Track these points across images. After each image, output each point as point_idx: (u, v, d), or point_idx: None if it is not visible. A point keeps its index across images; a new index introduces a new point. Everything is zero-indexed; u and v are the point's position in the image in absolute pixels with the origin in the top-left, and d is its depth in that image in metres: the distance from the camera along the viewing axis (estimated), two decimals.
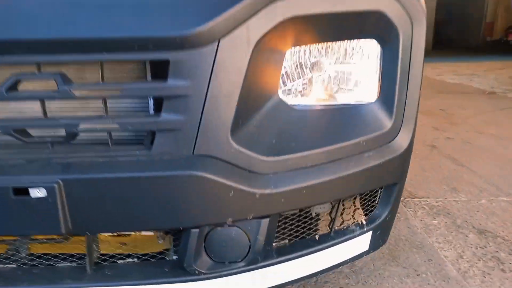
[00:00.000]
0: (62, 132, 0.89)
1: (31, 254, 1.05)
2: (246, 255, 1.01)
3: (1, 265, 1.03)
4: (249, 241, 1.00)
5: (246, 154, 0.94)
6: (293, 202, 1.00)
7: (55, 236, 1.01)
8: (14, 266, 1.03)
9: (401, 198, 2.73)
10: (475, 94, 6.65)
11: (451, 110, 5.44)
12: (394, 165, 1.11)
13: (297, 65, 1.05)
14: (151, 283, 0.99)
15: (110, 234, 1.16)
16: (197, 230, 0.95)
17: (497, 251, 2.05)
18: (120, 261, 1.04)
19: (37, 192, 0.85)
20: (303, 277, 1.12)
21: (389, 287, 1.77)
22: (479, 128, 4.44)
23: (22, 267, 1.03)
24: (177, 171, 0.89)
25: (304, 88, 1.07)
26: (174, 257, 1.05)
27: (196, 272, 0.98)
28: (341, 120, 1.06)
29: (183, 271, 1.02)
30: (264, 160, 0.96)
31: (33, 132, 0.90)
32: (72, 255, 1.06)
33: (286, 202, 0.99)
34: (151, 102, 0.93)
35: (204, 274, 0.99)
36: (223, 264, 1.01)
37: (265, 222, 0.99)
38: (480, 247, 2.07)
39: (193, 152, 0.91)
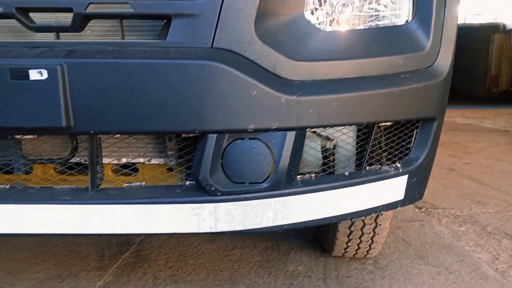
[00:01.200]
0: (68, 19, 0.81)
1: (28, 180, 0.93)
2: (269, 175, 0.87)
3: None
4: (273, 158, 0.87)
5: (271, 53, 0.84)
6: (322, 115, 0.88)
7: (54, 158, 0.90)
8: (7, 186, 0.90)
9: (423, 209, 2.57)
10: (488, 132, 6.57)
11: (465, 143, 5.35)
12: (432, 93, 1.00)
13: None
14: (159, 203, 0.84)
15: (114, 171, 1.04)
16: (214, 135, 0.83)
17: None
18: (125, 184, 0.91)
19: (37, 74, 0.76)
20: (331, 217, 0.96)
21: (420, 283, 1.60)
22: (496, 156, 4.32)
23: (15, 188, 0.89)
24: (193, 60, 0.79)
25: (334, 9, 1.00)
26: (187, 183, 0.92)
27: (213, 188, 0.84)
28: (373, 40, 0.98)
29: (195, 193, 0.87)
30: (291, 63, 0.86)
31: (37, 17, 0.83)
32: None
33: (314, 114, 0.87)
34: None
35: (220, 194, 0.85)
36: (243, 185, 0.87)
37: (290, 135, 0.87)
38: None
39: (212, 45, 0.82)
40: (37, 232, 0.87)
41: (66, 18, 0.84)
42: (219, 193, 0.86)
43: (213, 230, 0.88)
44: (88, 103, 0.79)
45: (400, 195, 1.07)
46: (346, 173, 1.01)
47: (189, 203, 0.86)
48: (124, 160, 0.98)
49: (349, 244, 1.67)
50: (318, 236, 2.00)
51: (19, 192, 0.88)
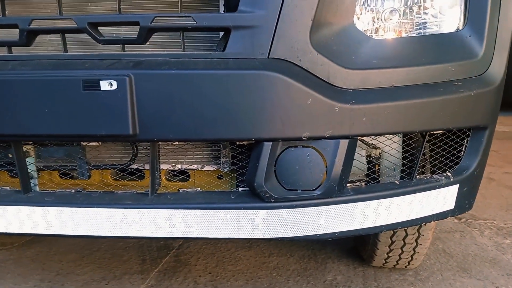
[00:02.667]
0: (134, 32, 0.86)
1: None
2: (321, 183, 0.88)
3: (61, 189, 0.96)
4: (325, 166, 0.89)
5: (325, 63, 0.86)
6: (375, 123, 0.89)
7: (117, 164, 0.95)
8: (73, 191, 0.96)
9: (463, 219, 2.49)
10: None
11: (503, 152, 5.14)
12: (485, 101, 0.99)
13: None
14: (215, 208, 0.87)
15: (168, 177, 1.08)
16: (270, 143, 0.85)
17: None
18: (182, 190, 0.95)
19: (107, 85, 0.81)
20: (381, 226, 0.96)
21: None
22: None
23: (81, 192, 0.95)
24: (251, 71, 0.82)
25: (382, 17, 1.02)
26: (240, 189, 0.94)
27: (267, 195, 0.86)
28: (424, 48, 0.98)
29: (249, 199, 0.90)
30: (344, 71, 0.87)
31: (106, 31, 0.89)
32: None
33: (367, 123, 0.88)
34: (221, 6, 0.90)
35: (274, 201, 0.87)
36: (295, 192, 0.88)
37: (343, 143, 0.88)
38: None
39: (268, 55, 0.85)
40: (101, 234, 0.92)
41: (132, 31, 0.89)
42: (273, 200, 0.88)
43: (266, 236, 0.90)
44: (153, 112, 0.83)
45: (450, 204, 1.05)
46: (397, 182, 1.01)
47: (243, 209, 0.88)
48: (179, 166, 1.02)
49: (390, 255, 1.65)
50: (356, 246, 1.98)
51: (85, 196, 0.94)
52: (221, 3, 0.95)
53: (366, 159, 1.12)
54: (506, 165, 4.22)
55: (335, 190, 0.90)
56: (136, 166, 1.02)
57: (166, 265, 1.87)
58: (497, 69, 0.99)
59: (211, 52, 0.86)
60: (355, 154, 1.04)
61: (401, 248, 1.60)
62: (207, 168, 1.02)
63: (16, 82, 0.84)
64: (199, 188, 0.96)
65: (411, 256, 1.65)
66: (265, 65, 0.84)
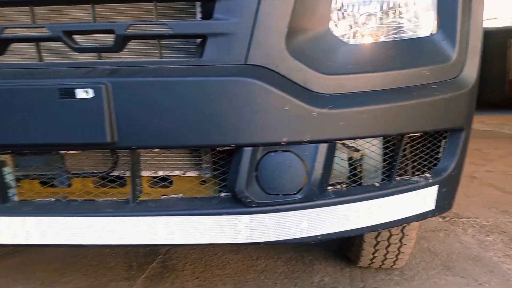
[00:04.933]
0: (110, 39, 0.86)
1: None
2: (302, 186, 0.89)
3: (41, 199, 0.95)
4: (306, 170, 0.89)
5: (302, 68, 0.87)
6: (353, 127, 0.90)
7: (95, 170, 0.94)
8: (53, 199, 0.95)
9: (447, 218, 2.53)
10: (508, 138, 6.43)
11: (485, 150, 5.26)
12: (459, 103, 1.01)
13: None
14: (197, 214, 0.88)
15: (150, 184, 1.08)
16: (250, 149, 0.86)
17: None
18: (164, 196, 0.94)
19: (83, 93, 0.81)
20: (363, 227, 0.97)
21: None
22: None
23: (60, 201, 0.94)
24: (229, 77, 0.83)
25: (358, 22, 1.03)
26: (222, 195, 0.95)
27: (249, 200, 0.86)
28: (400, 52, 1.00)
29: (231, 204, 0.90)
30: (321, 77, 0.89)
31: (81, 39, 0.88)
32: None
33: (345, 127, 0.89)
34: (198, 13, 0.91)
35: (256, 206, 0.87)
36: (277, 196, 0.89)
37: (322, 147, 0.89)
38: None
39: (245, 61, 0.86)
40: (82, 243, 0.91)
41: (107, 39, 0.89)
42: (254, 205, 0.88)
43: (249, 241, 0.90)
44: (131, 120, 0.83)
45: (430, 205, 1.07)
46: (377, 184, 1.02)
47: (226, 215, 0.89)
48: (161, 173, 1.02)
49: (375, 255, 1.67)
50: (342, 247, 2.00)
51: (64, 204, 0.93)
52: (198, 10, 0.96)
53: (348, 161, 1.13)
54: (488, 163, 4.31)
55: (316, 194, 0.91)
56: (117, 174, 1.01)
57: (153, 271, 1.85)
58: (470, 72, 1.01)
59: (188, 59, 0.86)
60: (336, 157, 1.05)
61: (386, 248, 1.62)
62: (189, 174, 1.02)
63: None
64: (181, 194, 0.96)
65: (396, 256, 1.67)
66: (242, 72, 0.84)
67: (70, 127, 0.82)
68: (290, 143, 0.87)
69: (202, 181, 1.07)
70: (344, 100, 0.90)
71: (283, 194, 0.90)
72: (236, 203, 0.91)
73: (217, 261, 1.95)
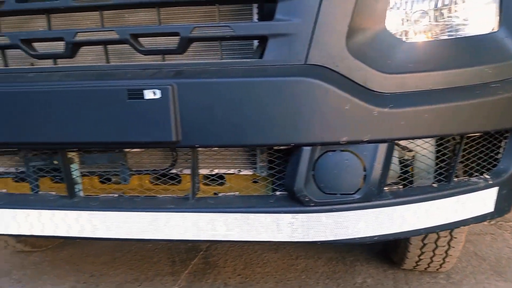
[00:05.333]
0: (173, 41, 0.89)
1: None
2: (361, 186, 0.89)
3: (105, 194, 1.00)
4: (364, 170, 0.89)
5: (362, 68, 0.87)
6: (413, 127, 0.89)
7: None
8: (116, 195, 1.00)
9: (493, 221, 2.43)
10: None
11: None
12: None
13: None
14: (255, 212, 0.89)
15: (204, 182, 1.11)
16: (309, 148, 0.86)
17: None
18: (221, 194, 0.97)
19: (151, 94, 0.84)
20: (420, 229, 0.95)
21: None
22: None
23: (123, 196, 0.99)
24: (290, 77, 0.84)
25: (416, 20, 1.01)
26: (278, 193, 0.96)
27: (306, 199, 0.87)
28: (460, 50, 0.97)
29: (288, 203, 0.91)
30: (381, 75, 0.88)
31: (146, 41, 0.92)
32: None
33: (406, 126, 0.88)
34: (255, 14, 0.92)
35: (314, 205, 0.88)
36: (334, 196, 0.89)
37: (382, 147, 0.88)
38: None
39: (305, 61, 0.86)
40: (143, 237, 0.95)
41: (170, 41, 0.92)
42: (312, 204, 0.89)
43: (306, 240, 0.91)
44: (194, 119, 0.86)
45: (489, 207, 1.04)
46: (435, 185, 1.00)
47: (283, 213, 0.90)
48: (216, 171, 1.04)
49: (421, 257, 1.63)
50: (385, 249, 1.96)
51: (128, 200, 0.97)
52: (255, 11, 0.97)
53: (399, 162, 1.11)
54: None
55: (375, 194, 0.90)
56: (175, 171, 1.04)
57: (195, 267, 1.90)
58: None
59: (248, 60, 0.88)
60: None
61: (433, 250, 1.58)
62: (243, 172, 1.03)
63: (63, 93, 0.88)
64: (237, 192, 0.98)
65: (443, 259, 1.62)
66: (303, 72, 0.85)
67: (137, 126, 0.86)
68: (349, 143, 0.87)
69: (254, 179, 1.09)
70: (405, 99, 0.89)
71: (341, 194, 0.90)
72: (293, 202, 0.92)
73: (257, 259, 1.97)
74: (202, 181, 1.09)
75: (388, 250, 1.91)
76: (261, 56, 0.88)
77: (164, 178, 1.05)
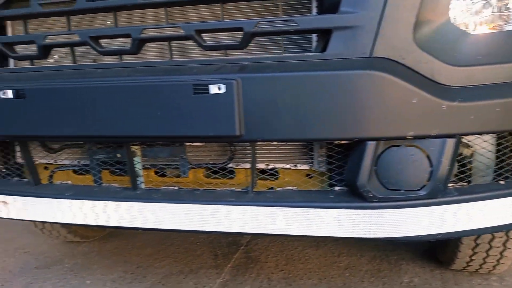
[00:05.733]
0: (236, 37, 0.90)
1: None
2: (426, 183, 0.87)
3: (165, 187, 1.03)
4: (431, 165, 0.87)
5: (429, 60, 0.84)
6: (484, 121, 0.85)
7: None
8: (176, 188, 1.02)
9: None
10: None
11: None
12: None
13: None
14: (316, 207, 0.89)
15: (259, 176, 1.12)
16: (373, 143, 0.85)
17: None
18: (278, 188, 0.97)
19: (216, 89, 0.85)
20: (487, 228, 0.92)
21: None
22: None
23: (184, 189, 1.01)
24: (355, 70, 0.83)
25: (479, 9, 0.97)
26: (337, 188, 0.95)
27: (370, 194, 0.86)
28: None
29: (350, 198, 0.90)
30: (449, 68, 0.85)
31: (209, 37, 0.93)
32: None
33: (476, 121, 0.85)
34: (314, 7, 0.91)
35: (377, 201, 0.87)
36: (398, 192, 0.87)
37: (450, 142, 0.86)
38: None
39: (370, 54, 0.85)
40: (204, 229, 0.97)
41: (231, 37, 0.93)
42: (376, 200, 0.88)
43: (367, 236, 0.90)
44: (257, 113, 0.86)
45: None
46: (502, 182, 0.96)
47: (345, 208, 0.89)
48: (272, 166, 1.05)
49: (473, 258, 1.57)
50: (432, 248, 1.91)
51: (188, 193, 1.00)
52: (314, 4, 0.97)
53: (458, 158, 1.08)
54: None
55: (441, 191, 0.88)
56: (231, 166, 1.06)
57: (237, 261, 1.92)
58: None
59: (311, 54, 0.88)
60: None
61: (487, 251, 1.52)
62: (299, 167, 1.03)
63: (131, 88, 0.91)
64: (295, 187, 0.98)
65: (498, 260, 1.56)
66: (369, 65, 0.83)
67: (201, 120, 0.87)
68: (416, 137, 0.85)
69: (308, 174, 1.09)
70: (474, 92, 0.86)
71: (405, 190, 0.88)
72: (355, 197, 0.91)
73: (298, 255, 1.97)
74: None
75: (435, 250, 1.85)
76: (323, 50, 0.88)
77: (223, 172, 1.07)
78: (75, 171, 1.24)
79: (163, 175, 1.15)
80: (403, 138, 0.85)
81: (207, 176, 1.15)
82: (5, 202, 1.08)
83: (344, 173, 0.93)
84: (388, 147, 0.88)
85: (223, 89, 0.85)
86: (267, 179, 1.08)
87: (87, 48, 1.03)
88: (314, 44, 0.97)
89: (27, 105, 0.95)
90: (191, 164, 1.05)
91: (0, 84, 0.96)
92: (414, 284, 1.66)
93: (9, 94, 0.96)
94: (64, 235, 2.08)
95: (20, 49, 1.09)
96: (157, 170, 1.16)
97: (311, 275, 1.76)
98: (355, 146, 0.89)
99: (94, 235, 2.26)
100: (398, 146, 0.88)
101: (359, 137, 0.85)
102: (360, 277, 1.73)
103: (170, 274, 1.82)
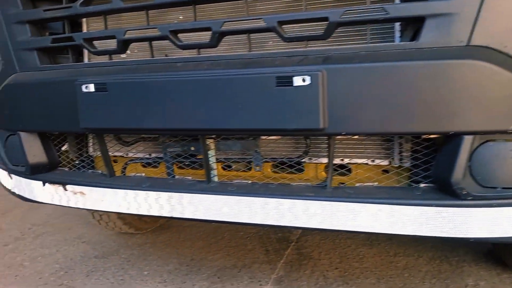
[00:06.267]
0: (318, 27, 0.87)
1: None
2: None
3: (239, 181, 1.03)
4: None
5: None
6: None
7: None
8: (249, 182, 1.01)
9: None
10: None
11: None
12: None
13: None
14: (401, 204, 0.85)
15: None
16: (470, 137, 0.80)
17: None
18: (358, 184, 0.94)
19: (300, 81, 0.83)
20: None
21: None
22: None
23: (258, 183, 1.00)
24: (452, 60, 0.78)
25: None
26: (422, 185, 0.91)
27: (464, 192, 0.81)
28: None
29: (439, 196, 0.86)
30: None
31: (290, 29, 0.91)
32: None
33: None
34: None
35: (471, 199, 0.82)
36: (495, 190, 0.82)
37: None
38: None
39: (468, 43, 0.79)
40: (279, 224, 0.95)
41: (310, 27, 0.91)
42: (470, 198, 0.82)
43: (456, 235, 0.84)
44: (341, 106, 0.83)
45: None
46: None
47: (434, 206, 0.84)
48: (347, 160, 1.02)
49: None
50: (495, 250, 1.81)
51: (263, 187, 0.98)
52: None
53: None
54: None
55: None
56: (305, 160, 1.04)
57: (290, 257, 1.90)
58: None
59: (402, 43, 0.83)
60: None
61: None
62: (377, 162, 0.99)
63: (212, 81, 0.90)
64: (377, 183, 0.94)
65: None
66: (468, 54, 0.78)
67: (284, 113, 0.85)
68: None
69: (383, 170, 1.04)
70: None
71: (503, 188, 0.82)
72: (444, 195, 0.86)
73: (352, 254, 1.92)
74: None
75: (500, 252, 1.75)
76: (413, 39, 0.83)
77: (294, 167, 1.05)
78: (143, 164, 1.26)
79: (229, 169, 1.15)
80: (505, 132, 0.79)
81: (275, 171, 1.14)
82: (82, 193, 1.12)
83: (432, 169, 0.89)
84: (484, 142, 0.82)
85: (307, 81, 0.82)
86: (338, 175, 1.05)
87: (159, 42, 1.05)
88: (396, 33, 0.93)
89: (109, 99, 0.97)
90: (265, 158, 1.04)
91: (83, 79, 0.99)
92: (480, 287, 1.58)
93: (91, 88, 0.98)
94: (119, 227, 2.14)
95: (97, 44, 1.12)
96: (228, 164, 1.16)
97: (368, 275, 1.71)
98: (448, 141, 0.84)
99: (147, 227, 2.31)
100: (494, 140, 0.82)
101: (455, 131, 0.80)
102: (420, 278, 1.66)
103: (224, 267, 1.83)
